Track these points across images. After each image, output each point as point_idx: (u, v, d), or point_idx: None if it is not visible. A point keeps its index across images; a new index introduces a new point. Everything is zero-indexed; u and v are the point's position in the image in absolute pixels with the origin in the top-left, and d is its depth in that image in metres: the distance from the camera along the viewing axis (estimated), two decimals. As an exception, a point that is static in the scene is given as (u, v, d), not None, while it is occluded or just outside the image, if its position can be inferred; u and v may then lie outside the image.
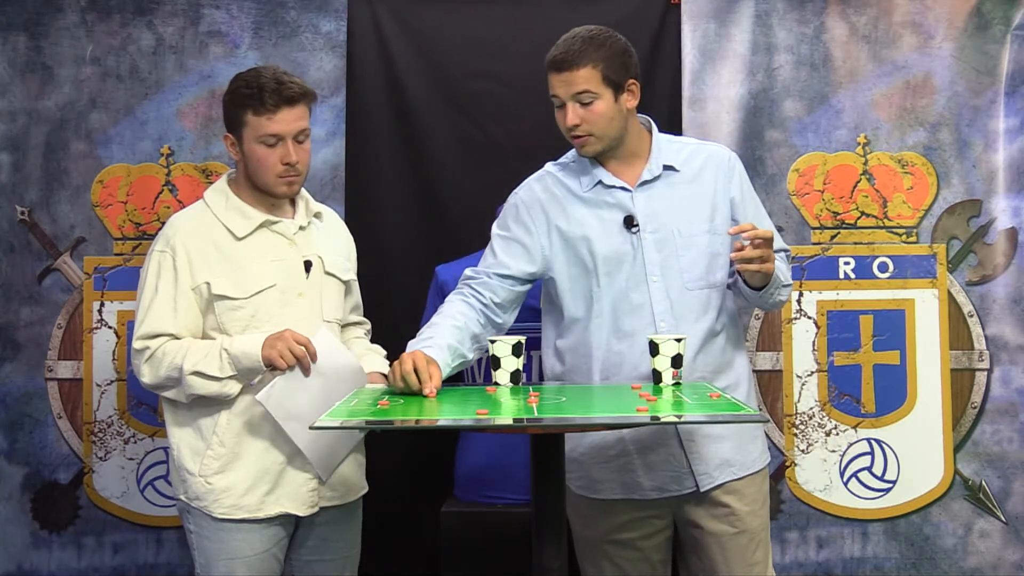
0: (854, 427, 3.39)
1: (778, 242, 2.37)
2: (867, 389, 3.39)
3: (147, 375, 2.36)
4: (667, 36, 3.38)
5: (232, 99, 2.38)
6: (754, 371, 3.29)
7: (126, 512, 3.36)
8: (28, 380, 3.35)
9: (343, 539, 2.52)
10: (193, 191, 3.29)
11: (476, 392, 2.25)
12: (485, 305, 2.38)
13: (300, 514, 2.40)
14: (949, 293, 3.40)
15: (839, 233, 3.41)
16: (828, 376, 3.39)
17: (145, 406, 3.34)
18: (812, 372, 3.39)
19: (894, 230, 3.41)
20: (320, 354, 2.31)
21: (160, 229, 2.46)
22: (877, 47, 3.40)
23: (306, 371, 2.30)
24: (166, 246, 2.38)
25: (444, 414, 2.00)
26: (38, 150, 3.35)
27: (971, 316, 3.40)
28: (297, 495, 2.39)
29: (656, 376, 2.20)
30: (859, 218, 3.41)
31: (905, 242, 3.41)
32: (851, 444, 3.38)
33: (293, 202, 2.49)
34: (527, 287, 2.43)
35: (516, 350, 2.24)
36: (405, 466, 3.31)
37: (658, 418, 1.90)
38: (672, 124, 3.27)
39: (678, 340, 2.18)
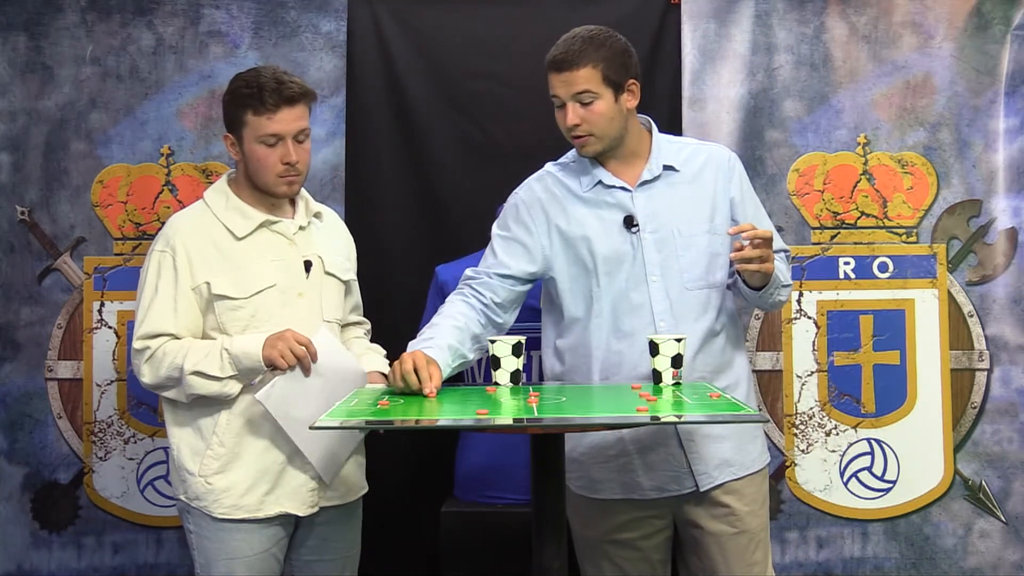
0: (854, 427, 3.39)
1: (778, 242, 2.37)
2: (867, 389, 3.39)
3: (147, 375, 2.36)
4: (667, 36, 3.38)
5: (232, 99, 2.38)
6: (754, 371, 3.30)
7: (126, 512, 3.36)
8: (28, 380, 3.35)
9: (343, 539, 2.52)
10: (193, 191, 3.29)
11: (476, 392, 2.25)
12: (486, 305, 2.38)
13: (300, 514, 2.40)
14: (949, 293, 3.40)
15: (839, 233, 3.41)
16: (828, 376, 3.39)
17: (145, 406, 3.34)
18: (812, 372, 3.39)
19: (894, 230, 3.41)
20: (320, 354, 2.31)
21: (160, 229, 2.46)
22: (877, 47, 3.40)
23: (307, 371, 2.30)
24: (166, 246, 2.38)
25: (444, 414, 2.00)
26: (38, 150, 3.35)
27: (971, 316, 3.40)
28: (297, 495, 2.39)
29: (656, 376, 2.20)
30: (859, 218, 3.41)
31: (905, 242, 3.41)
32: (851, 444, 3.38)
33: (293, 202, 2.49)
34: (527, 287, 2.43)
35: (516, 350, 2.24)
36: (405, 466, 3.31)
37: (658, 418, 1.90)
38: (672, 124, 3.27)
39: (678, 340, 2.18)
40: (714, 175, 2.41)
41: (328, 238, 2.54)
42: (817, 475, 3.38)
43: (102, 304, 3.36)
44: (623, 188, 2.37)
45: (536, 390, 2.17)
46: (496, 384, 2.24)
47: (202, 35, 3.36)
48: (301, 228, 2.46)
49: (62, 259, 3.35)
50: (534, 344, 2.60)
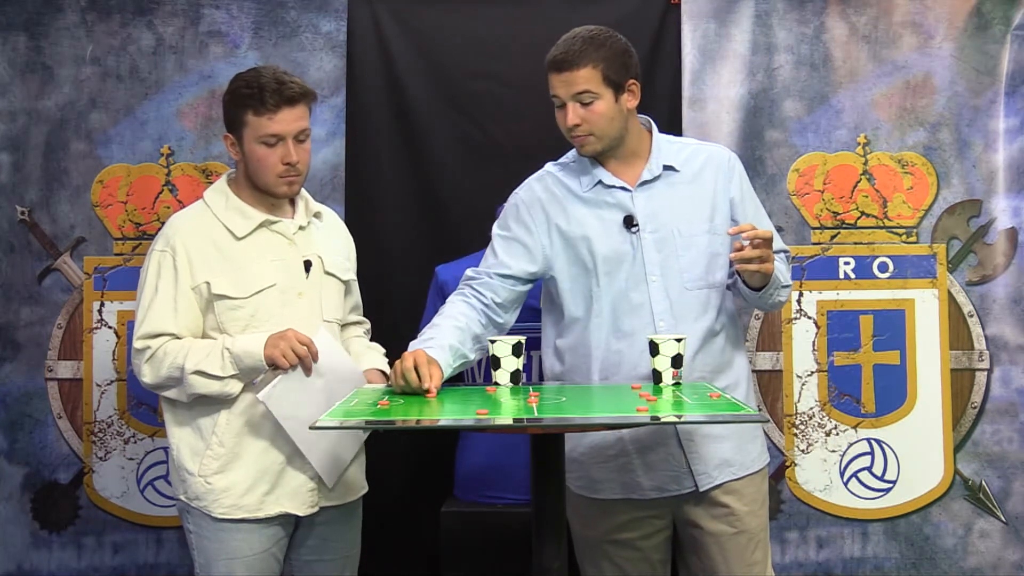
0: (854, 427, 3.39)
1: (777, 243, 2.37)
2: (867, 389, 3.39)
3: (148, 375, 2.36)
4: (667, 36, 3.38)
5: (232, 99, 2.38)
6: (754, 371, 3.30)
7: (126, 512, 3.36)
8: (28, 380, 3.35)
9: (343, 539, 2.52)
10: (193, 191, 3.29)
11: (476, 392, 2.25)
12: (486, 305, 2.38)
13: (300, 514, 2.40)
14: (949, 293, 3.40)
15: (839, 233, 3.41)
16: (828, 376, 3.39)
17: (145, 406, 3.34)
18: (812, 372, 3.39)
19: (894, 230, 3.41)
20: (321, 354, 2.32)
21: (160, 229, 2.46)
22: (877, 47, 3.40)
23: (308, 371, 2.30)
24: (166, 246, 2.39)
25: (444, 414, 2.00)
26: (38, 150, 3.35)
27: (971, 316, 3.40)
28: (297, 495, 2.39)
29: (656, 376, 2.20)
30: (859, 218, 3.41)
31: (905, 242, 3.41)
32: (851, 444, 3.38)
33: (293, 202, 2.49)
34: (528, 287, 2.43)
35: (516, 350, 2.24)
36: (405, 466, 3.31)
37: (658, 418, 1.90)
38: (672, 124, 3.27)
39: (678, 340, 2.19)
40: (714, 175, 2.41)
41: (328, 238, 2.54)
42: (817, 475, 3.38)
43: (102, 304, 3.36)
44: (623, 188, 2.37)
45: (536, 390, 2.17)
46: (496, 384, 2.24)
47: (202, 35, 3.36)
48: (301, 228, 2.46)
49: (62, 259, 3.35)
50: (534, 344, 2.60)
